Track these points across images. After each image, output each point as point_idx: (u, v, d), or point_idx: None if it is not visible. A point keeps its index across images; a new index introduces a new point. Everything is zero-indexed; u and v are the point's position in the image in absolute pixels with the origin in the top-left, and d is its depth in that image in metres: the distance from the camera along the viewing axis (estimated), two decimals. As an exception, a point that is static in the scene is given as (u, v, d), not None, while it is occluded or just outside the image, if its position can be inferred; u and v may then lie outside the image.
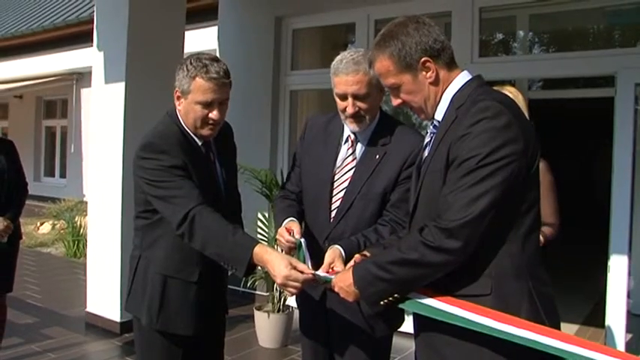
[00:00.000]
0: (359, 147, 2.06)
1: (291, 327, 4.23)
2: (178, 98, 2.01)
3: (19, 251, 3.66)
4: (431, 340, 1.56)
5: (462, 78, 1.58)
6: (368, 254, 1.74)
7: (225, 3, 5.68)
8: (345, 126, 2.06)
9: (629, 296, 3.82)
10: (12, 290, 3.61)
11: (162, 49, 4.42)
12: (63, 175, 10.64)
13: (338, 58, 1.99)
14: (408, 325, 1.87)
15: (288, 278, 1.72)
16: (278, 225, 2.08)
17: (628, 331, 3.70)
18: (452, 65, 1.59)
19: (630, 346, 4.02)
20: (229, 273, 1.94)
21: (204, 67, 1.92)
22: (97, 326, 4.45)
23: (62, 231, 8.04)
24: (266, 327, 4.22)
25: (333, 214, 2.05)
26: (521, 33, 4.84)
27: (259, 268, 2.10)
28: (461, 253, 1.41)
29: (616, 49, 4.21)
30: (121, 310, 4.27)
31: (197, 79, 1.93)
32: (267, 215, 4.50)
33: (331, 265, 1.84)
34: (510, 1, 4.37)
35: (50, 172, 11.05)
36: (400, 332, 2.15)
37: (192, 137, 2.04)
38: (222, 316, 2.27)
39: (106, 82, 4.47)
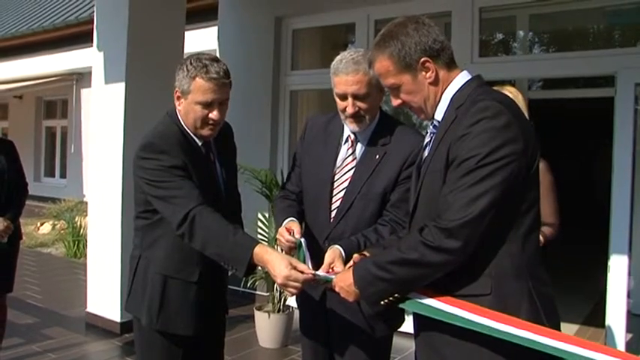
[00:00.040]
0: (359, 147, 2.06)
1: (291, 327, 4.23)
2: (178, 98, 2.01)
3: (19, 251, 3.67)
4: (431, 340, 1.56)
5: (462, 78, 1.58)
6: (367, 254, 1.74)
7: (225, 3, 5.68)
8: (345, 126, 2.06)
9: (629, 296, 3.82)
10: (12, 290, 3.61)
11: (162, 49, 4.42)
12: (63, 176, 10.64)
13: (338, 58, 1.99)
14: (408, 325, 1.87)
15: (289, 278, 1.72)
16: (278, 225, 2.08)
17: (628, 331, 3.70)
18: (451, 65, 1.59)
19: (630, 346, 4.02)
20: (229, 273, 1.95)
21: (204, 67, 1.92)
22: (97, 326, 4.45)
23: (62, 231, 8.05)
24: (266, 327, 4.22)
25: (333, 214, 2.05)
26: (521, 33, 4.84)
27: (259, 268, 2.10)
28: (461, 253, 1.41)
29: (616, 49, 4.22)
30: (121, 310, 4.27)
31: (197, 79, 1.93)
32: (267, 215, 4.50)
33: (331, 265, 1.84)
34: (510, 1, 4.37)
35: (50, 173, 11.05)
36: (400, 332, 2.15)
37: (192, 137, 2.04)
38: (222, 316, 2.27)
39: (106, 82, 4.47)
